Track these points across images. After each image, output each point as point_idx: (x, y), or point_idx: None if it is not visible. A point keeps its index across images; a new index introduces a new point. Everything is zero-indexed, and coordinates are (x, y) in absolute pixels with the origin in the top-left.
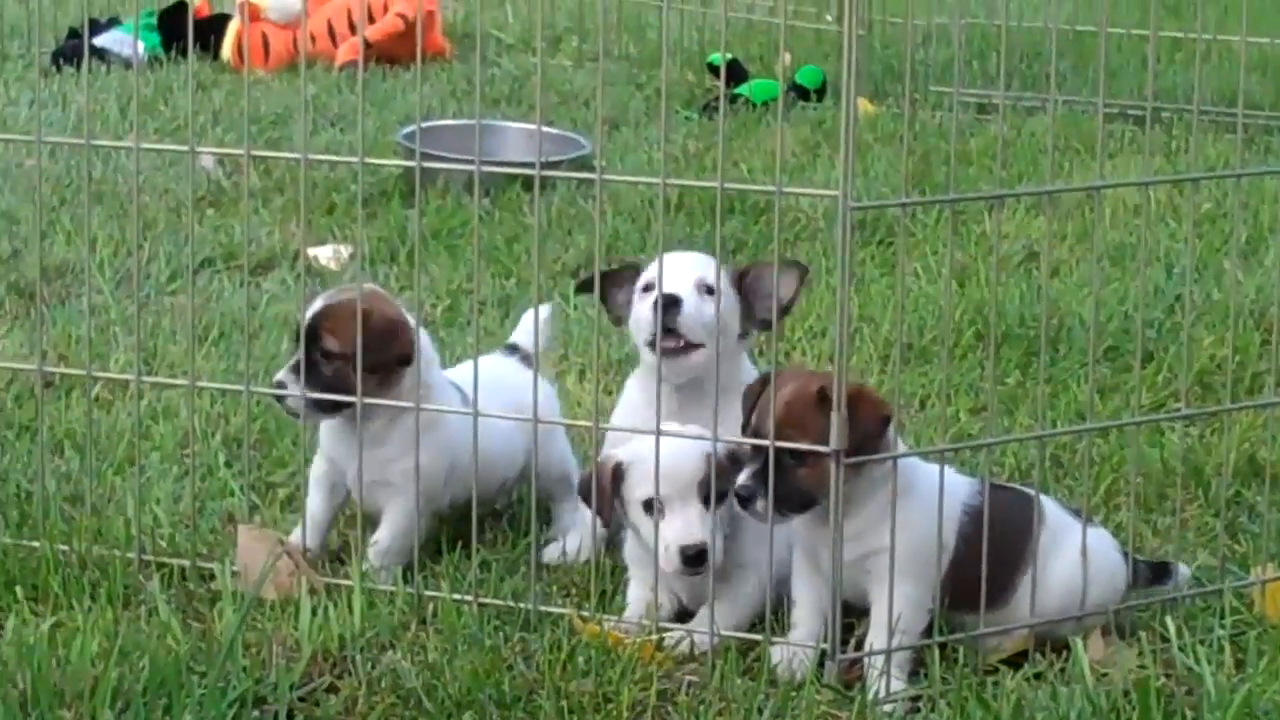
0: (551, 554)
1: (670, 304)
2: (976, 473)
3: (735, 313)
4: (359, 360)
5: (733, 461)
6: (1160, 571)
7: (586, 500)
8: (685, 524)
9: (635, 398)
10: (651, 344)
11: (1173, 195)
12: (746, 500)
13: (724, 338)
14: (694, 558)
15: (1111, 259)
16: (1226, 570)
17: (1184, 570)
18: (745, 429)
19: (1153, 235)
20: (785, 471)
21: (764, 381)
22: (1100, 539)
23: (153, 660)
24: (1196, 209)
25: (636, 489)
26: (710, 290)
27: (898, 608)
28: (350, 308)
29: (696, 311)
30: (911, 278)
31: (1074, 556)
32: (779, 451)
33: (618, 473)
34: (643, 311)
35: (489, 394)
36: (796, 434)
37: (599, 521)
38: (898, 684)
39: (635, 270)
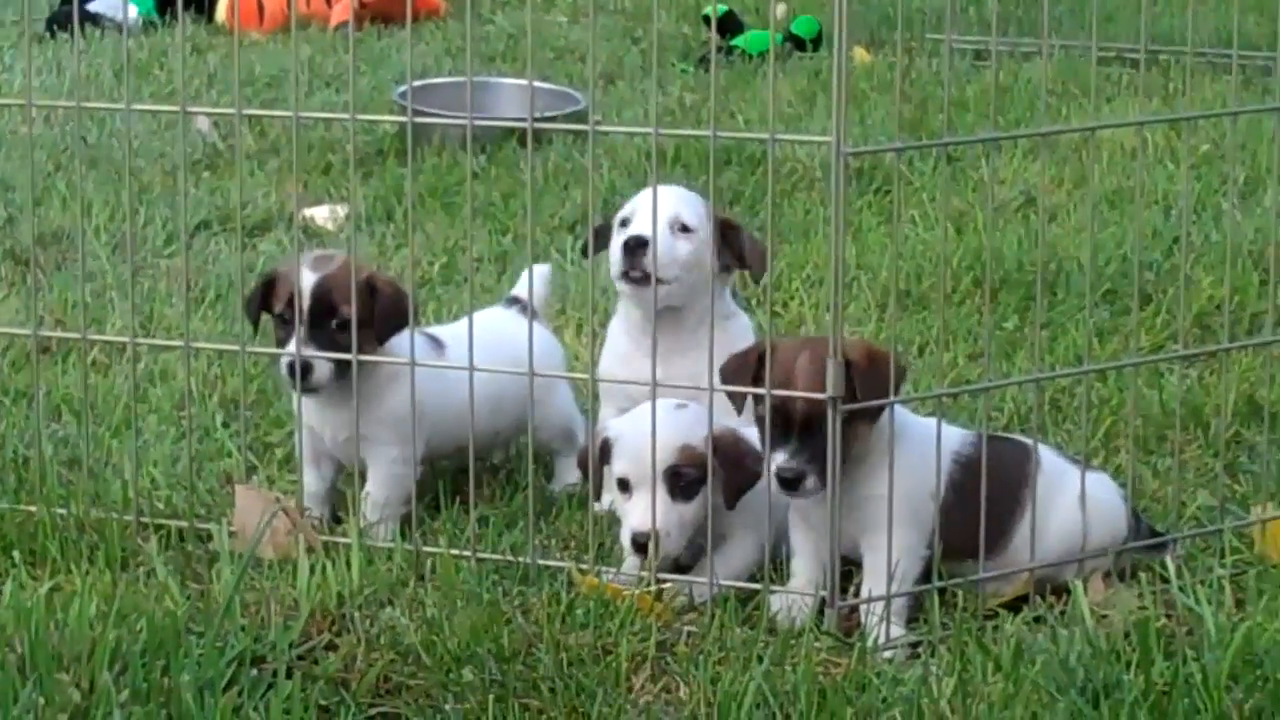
0: (556, 487)
1: (636, 245)
2: (975, 418)
3: (709, 249)
4: (354, 324)
5: (718, 449)
6: (1157, 540)
7: (584, 472)
8: (643, 510)
9: (619, 342)
10: (623, 276)
11: (1170, 138)
12: (793, 482)
13: (698, 271)
14: (640, 546)
15: (1109, 202)
16: (1226, 510)
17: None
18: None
19: (1150, 178)
20: (819, 439)
21: (758, 354)
22: (1100, 483)
23: (150, 621)
24: (1193, 151)
25: (615, 465)
26: (685, 228)
27: (894, 555)
28: (348, 273)
29: (667, 249)
30: (909, 225)
31: (1073, 501)
32: (817, 418)
33: (605, 447)
34: (615, 247)
35: (481, 347)
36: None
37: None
38: (896, 630)
39: (625, 220)
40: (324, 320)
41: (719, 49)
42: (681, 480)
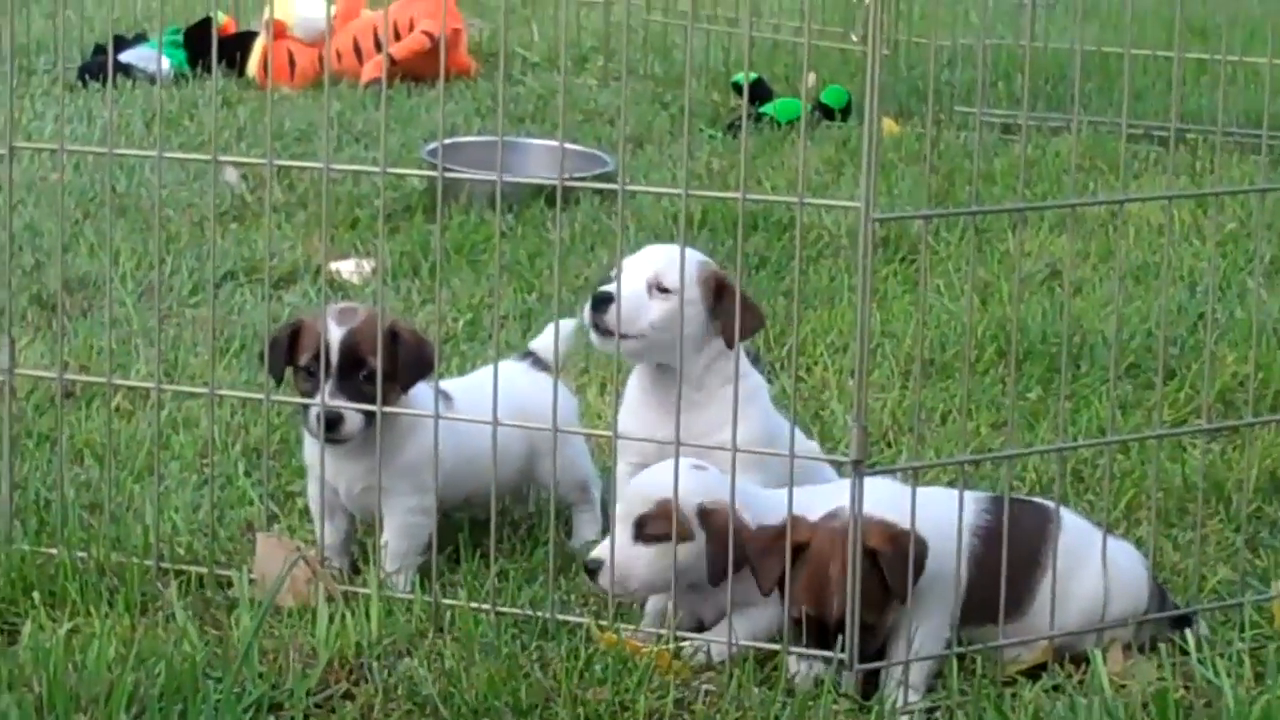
0: (576, 543)
1: (600, 300)
2: (997, 487)
3: (698, 309)
4: (379, 376)
5: (702, 517)
6: (1180, 620)
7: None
8: (604, 545)
9: (633, 396)
10: (593, 327)
11: (1196, 215)
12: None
13: (672, 332)
14: (589, 570)
15: (1135, 278)
16: (1246, 584)
17: (1203, 628)
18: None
19: (1176, 254)
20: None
21: (787, 543)
22: (1124, 551)
23: (169, 666)
24: (1220, 228)
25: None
26: (663, 289)
27: (915, 641)
28: (375, 326)
29: (635, 307)
30: (934, 294)
31: (1097, 568)
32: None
33: None
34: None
35: (488, 400)
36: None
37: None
38: (914, 697)
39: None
40: (352, 372)
41: (748, 116)
42: (645, 529)
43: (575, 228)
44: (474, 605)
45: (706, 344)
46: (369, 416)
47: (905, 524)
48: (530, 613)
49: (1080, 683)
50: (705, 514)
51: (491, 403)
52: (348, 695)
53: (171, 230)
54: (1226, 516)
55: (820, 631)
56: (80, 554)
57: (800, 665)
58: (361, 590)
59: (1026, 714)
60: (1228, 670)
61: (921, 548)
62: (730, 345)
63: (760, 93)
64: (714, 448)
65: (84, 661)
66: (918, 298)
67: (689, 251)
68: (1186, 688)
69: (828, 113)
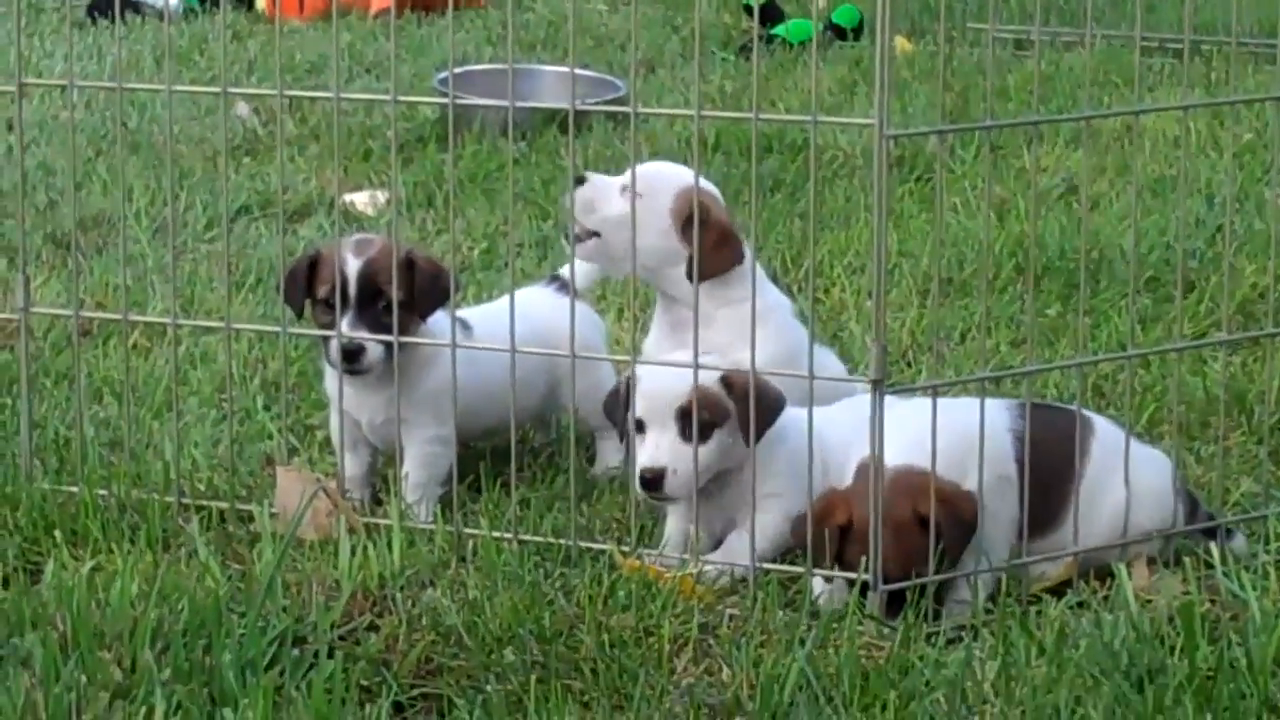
0: (597, 470)
1: (575, 181)
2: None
3: (667, 228)
4: (395, 306)
5: (727, 386)
6: (1207, 533)
7: (610, 418)
8: (653, 448)
9: (659, 330)
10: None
11: (1212, 127)
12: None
13: (651, 248)
14: (649, 482)
15: (1151, 191)
16: (1271, 496)
17: (1239, 539)
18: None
19: (1192, 167)
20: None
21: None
22: (1155, 463)
23: (192, 601)
24: (1237, 139)
25: (635, 407)
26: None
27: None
28: (391, 256)
29: (602, 197)
30: (950, 213)
31: (1134, 480)
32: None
33: (627, 389)
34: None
35: (508, 326)
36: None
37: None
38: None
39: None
40: (371, 303)
41: (760, 38)
42: (688, 420)
43: (588, 153)
44: (496, 534)
45: (680, 263)
46: (389, 347)
47: (942, 449)
48: (553, 540)
49: (1105, 598)
50: (729, 383)
51: (507, 328)
52: (372, 627)
53: (184, 166)
54: (1249, 429)
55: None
56: (101, 492)
57: (824, 586)
58: (383, 522)
59: (1052, 631)
60: (1253, 583)
61: (973, 510)
62: (689, 277)
63: (771, 14)
64: (731, 370)
65: (107, 599)
66: (934, 216)
67: (683, 171)
68: (1212, 601)
69: (840, 33)
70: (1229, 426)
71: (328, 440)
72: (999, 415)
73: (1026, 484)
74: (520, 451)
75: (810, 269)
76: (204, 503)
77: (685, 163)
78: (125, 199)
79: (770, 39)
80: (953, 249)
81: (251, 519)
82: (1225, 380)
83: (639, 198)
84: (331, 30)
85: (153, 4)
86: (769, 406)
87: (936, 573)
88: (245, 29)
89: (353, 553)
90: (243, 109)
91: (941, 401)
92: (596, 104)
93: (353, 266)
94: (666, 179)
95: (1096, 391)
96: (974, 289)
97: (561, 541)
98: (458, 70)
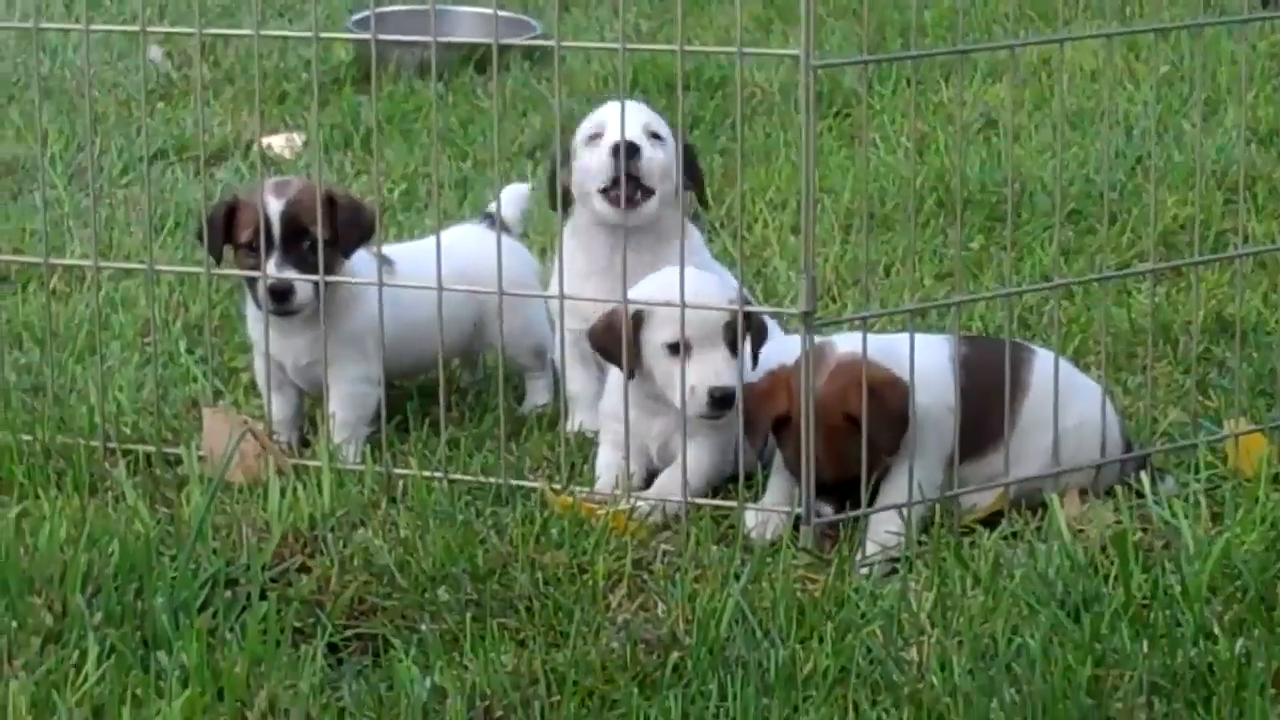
0: (526, 408)
1: (629, 150)
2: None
3: (675, 160)
4: (320, 244)
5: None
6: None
7: (603, 352)
8: (714, 367)
9: (576, 260)
10: (605, 192)
11: (1129, 59)
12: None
13: (669, 184)
14: (721, 400)
15: (1070, 124)
16: (1198, 425)
17: (1170, 481)
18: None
19: (1111, 100)
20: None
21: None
22: (1092, 393)
23: (122, 544)
24: (1154, 71)
25: (659, 332)
26: (658, 136)
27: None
28: (311, 194)
29: (649, 157)
30: (870, 148)
31: (1075, 409)
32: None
33: (638, 319)
34: (594, 160)
35: (434, 263)
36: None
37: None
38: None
39: (594, 135)
40: (295, 243)
41: None
42: (733, 335)
43: (506, 94)
44: (426, 474)
45: (673, 199)
46: (317, 286)
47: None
48: (483, 480)
49: (1038, 529)
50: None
51: (432, 265)
52: (303, 568)
53: (98, 110)
54: (1175, 359)
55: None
56: (25, 437)
57: (757, 519)
58: (312, 463)
59: (986, 562)
60: (1184, 511)
61: (903, 398)
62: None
63: None
64: (662, 304)
65: (35, 544)
66: (854, 151)
67: (642, 104)
68: (1144, 530)
69: None
70: (1155, 357)
71: (253, 383)
72: (941, 346)
73: (963, 412)
74: (448, 390)
75: (739, 201)
76: (130, 447)
77: (604, 101)
78: (40, 144)
79: None
80: (874, 184)
81: (178, 462)
82: (1150, 311)
83: (666, 142)
84: None
85: None
86: (760, 332)
87: (871, 469)
88: None
89: (282, 494)
90: (155, 53)
91: (880, 336)
92: (520, 41)
93: (274, 208)
94: (658, 115)
95: (1022, 324)
96: (896, 224)
97: (492, 480)
98: (370, 12)
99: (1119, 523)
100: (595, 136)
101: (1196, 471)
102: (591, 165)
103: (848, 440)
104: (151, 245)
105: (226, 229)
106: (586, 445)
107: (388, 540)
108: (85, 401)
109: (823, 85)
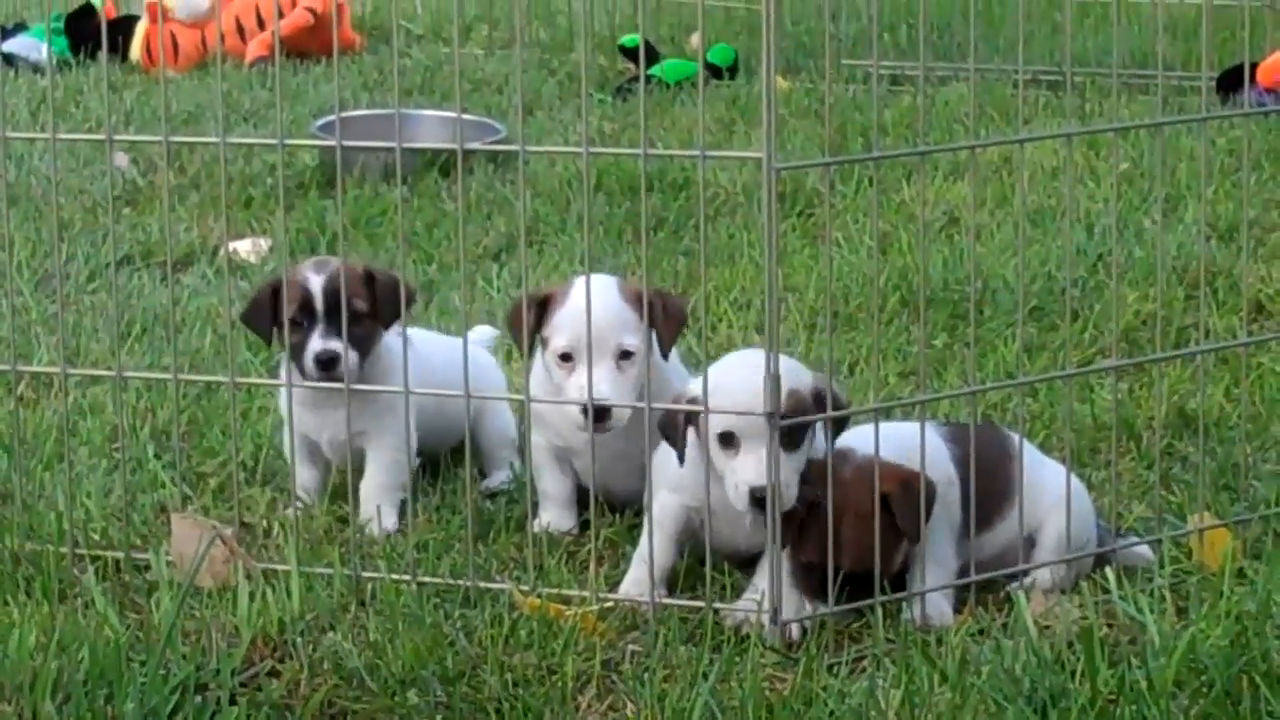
0: (492, 484)
1: (600, 415)
2: None
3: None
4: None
5: (816, 400)
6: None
7: (668, 438)
8: (754, 464)
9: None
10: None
11: (1089, 157)
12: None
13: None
14: (763, 501)
15: (1031, 221)
16: (1163, 519)
17: (1144, 547)
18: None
19: (1071, 197)
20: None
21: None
22: (1075, 486)
23: (92, 651)
24: (1114, 168)
25: (714, 420)
26: (628, 354)
27: (929, 572)
28: (352, 270)
29: (619, 393)
30: (834, 247)
31: (1057, 499)
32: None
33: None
34: (569, 389)
35: (445, 364)
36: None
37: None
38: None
39: (541, 303)
40: (338, 315)
41: (636, 79)
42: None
43: (470, 197)
44: (394, 577)
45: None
46: (361, 354)
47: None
48: (451, 581)
49: (1004, 625)
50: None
51: (446, 365)
52: (273, 672)
53: (64, 217)
54: (1138, 454)
55: (824, 580)
56: None
57: (734, 619)
58: (280, 567)
59: (954, 658)
60: (1150, 607)
61: (931, 487)
62: (665, 356)
63: (647, 55)
64: (636, 405)
65: (4, 650)
66: (818, 251)
67: (614, 281)
68: (1110, 625)
69: (715, 72)
70: (1118, 453)
71: (221, 487)
72: (931, 432)
73: (964, 485)
74: (414, 492)
75: (702, 300)
76: (99, 553)
77: (568, 204)
78: (9, 250)
79: (647, 79)
80: (837, 283)
81: (147, 568)
82: (1115, 406)
83: (635, 354)
84: (208, 80)
85: (25, 56)
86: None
87: (893, 558)
88: (120, 80)
89: (251, 598)
90: (121, 160)
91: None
92: (484, 144)
93: (316, 284)
94: (627, 314)
95: (986, 421)
96: (859, 322)
97: (461, 582)
98: (334, 117)
99: (1085, 618)
100: (566, 358)
101: (1162, 566)
102: (566, 390)
103: (874, 527)
104: (119, 351)
105: (272, 309)
106: (555, 545)
107: (357, 644)
108: (53, 508)
109: (786, 185)
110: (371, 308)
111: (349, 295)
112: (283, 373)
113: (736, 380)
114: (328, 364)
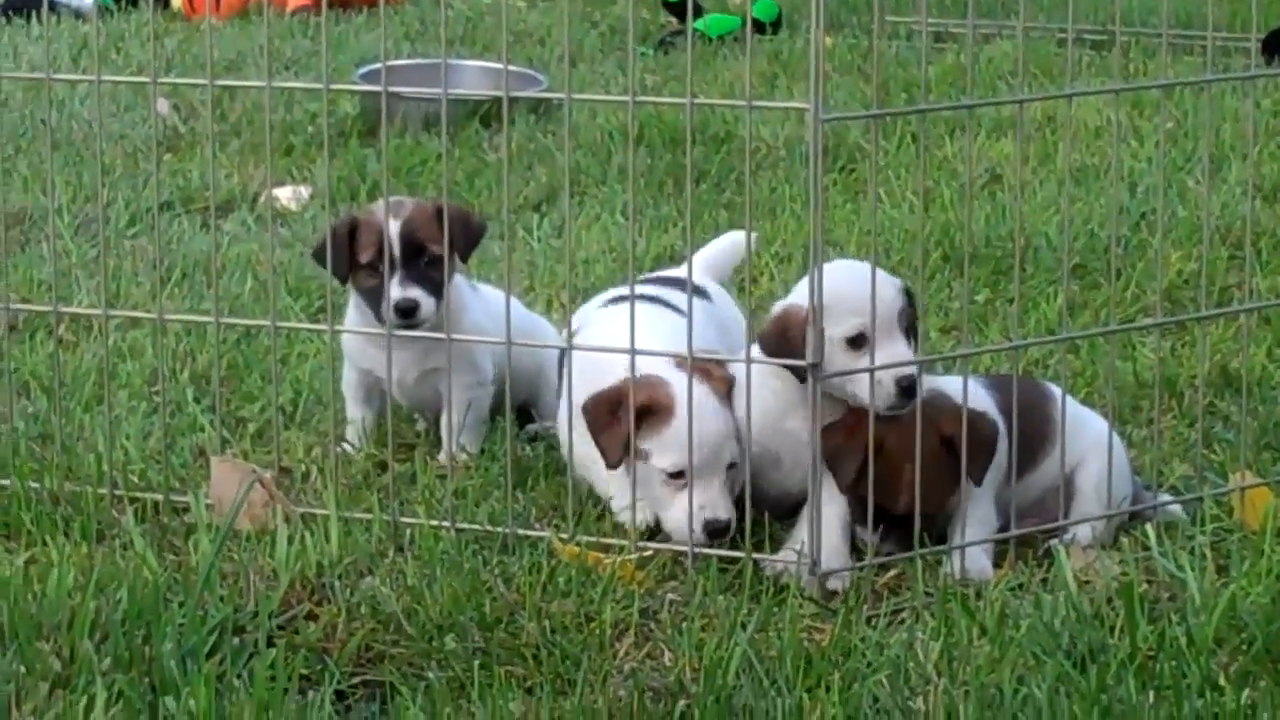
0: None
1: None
2: None
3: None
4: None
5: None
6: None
7: (773, 354)
8: (891, 356)
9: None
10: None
11: (1133, 116)
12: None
13: None
14: (910, 389)
15: (1075, 180)
16: (1204, 478)
17: (1177, 506)
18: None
19: (1115, 155)
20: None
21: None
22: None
23: (130, 591)
24: (1159, 127)
25: (837, 327)
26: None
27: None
28: (423, 211)
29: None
30: (876, 202)
31: (1099, 449)
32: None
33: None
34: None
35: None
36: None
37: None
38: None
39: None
40: (415, 259)
41: (678, 32)
42: (909, 324)
43: (511, 147)
44: (433, 523)
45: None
46: (438, 299)
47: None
48: (490, 528)
49: (1044, 580)
50: None
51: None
52: (311, 615)
53: (105, 162)
54: (1180, 412)
55: (882, 518)
56: (33, 484)
57: (772, 569)
58: (319, 511)
59: (993, 612)
60: (1190, 564)
61: (995, 429)
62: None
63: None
64: (732, 358)
65: (44, 590)
66: (859, 206)
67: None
68: (1150, 582)
69: (758, 26)
70: (1160, 411)
71: (260, 432)
72: (973, 383)
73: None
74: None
75: (747, 253)
76: (138, 495)
77: (609, 155)
78: (50, 194)
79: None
80: (880, 238)
81: (186, 510)
82: (1157, 364)
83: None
84: (248, 27)
85: (67, 2)
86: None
87: (948, 500)
88: (162, 27)
89: (290, 542)
90: (163, 105)
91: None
92: (531, 93)
93: (393, 227)
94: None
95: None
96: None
97: (499, 529)
98: (376, 66)
99: (1125, 574)
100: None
101: (1202, 524)
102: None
103: (940, 469)
104: (160, 295)
105: (349, 249)
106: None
107: (395, 588)
108: (93, 450)
109: (828, 140)
110: (446, 248)
111: (425, 238)
112: (329, 318)
113: (858, 279)
114: (408, 312)
